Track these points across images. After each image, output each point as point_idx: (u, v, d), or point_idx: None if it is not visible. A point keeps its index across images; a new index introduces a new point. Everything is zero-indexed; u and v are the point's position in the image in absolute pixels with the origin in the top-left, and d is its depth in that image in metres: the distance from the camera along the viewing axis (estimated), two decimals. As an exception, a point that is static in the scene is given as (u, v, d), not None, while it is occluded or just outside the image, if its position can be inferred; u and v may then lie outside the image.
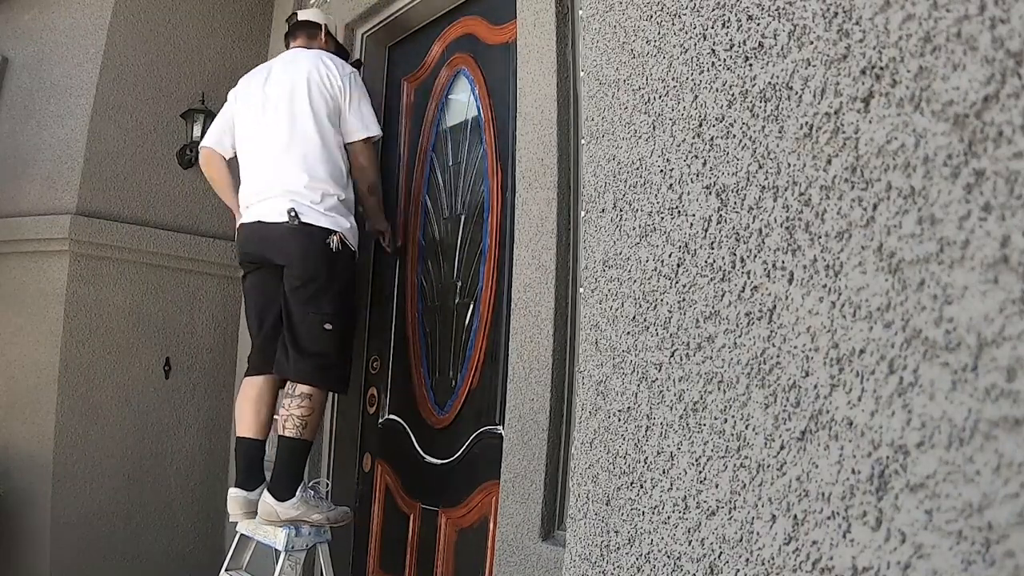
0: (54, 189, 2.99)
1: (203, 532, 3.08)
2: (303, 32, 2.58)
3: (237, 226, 2.40)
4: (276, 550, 2.19)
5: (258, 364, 2.32)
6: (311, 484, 2.31)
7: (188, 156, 3.19)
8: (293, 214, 2.18)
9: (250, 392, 2.31)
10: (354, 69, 2.47)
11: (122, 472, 2.91)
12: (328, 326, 2.18)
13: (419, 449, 2.42)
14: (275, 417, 2.30)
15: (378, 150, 2.54)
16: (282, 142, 2.29)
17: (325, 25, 2.58)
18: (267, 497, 2.14)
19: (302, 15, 2.64)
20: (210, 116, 3.21)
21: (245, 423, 2.29)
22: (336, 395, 2.72)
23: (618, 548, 0.82)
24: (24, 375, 2.91)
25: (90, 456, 2.86)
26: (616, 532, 0.83)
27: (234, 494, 2.23)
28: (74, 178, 2.95)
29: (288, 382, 2.21)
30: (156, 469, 3.00)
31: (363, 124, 2.38)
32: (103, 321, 2.95)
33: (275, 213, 2.22)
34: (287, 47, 2.60)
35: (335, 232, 2.22)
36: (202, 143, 2.57)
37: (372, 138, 2.41)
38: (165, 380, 3.06)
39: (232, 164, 2.52)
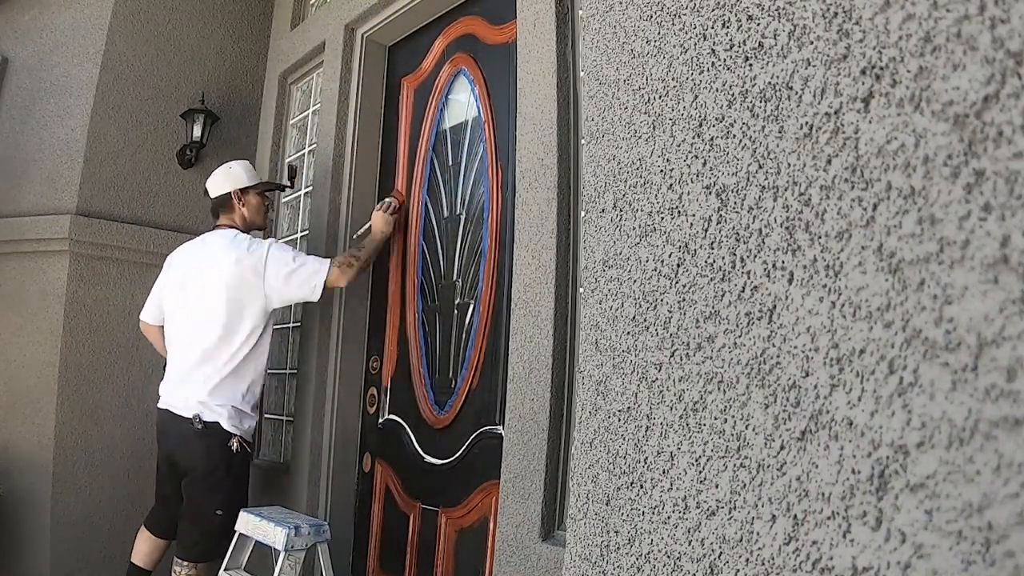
0: (54, 189, 2.99)
1: (203, 532, 3.07)
2: (220, 211, 2.59)
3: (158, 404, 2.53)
4: (276, 550, 2.19)
5: (157, 525, 2.54)
6: None
7: (188, 156, 3.19)
8: (199, 419, 2.35)
9: (144, 545, 2.55)
10: (258, 238, 2.49)
11: (122, 472, 2.91)
12: (219, 511, 2.36)
13: (419, 449, 2.42)
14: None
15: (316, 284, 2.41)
16: (193, 357, 2.42)
17: (233, 190, 2.56)
18: None
19: (209, 186, 2.60)
20: (210, 116, 3.21)
21: (139, 556, 2.55)
22: (336, 395, 2.73)
23: (618, 548, 0.82)
24: (24, 375, 2.91)
25: (90, 456, 2.86)
26: (616, 532, 0.83)
27: None
28: (74, 178, 2.95)
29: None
30: (156, 469, 3.00)
31: (302, 294, 2.40)
32: (103, 321, 2.95)
33: (182, 407, 2.39)
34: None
35: (235, 435, 2.37)
36: (141, 315, 2.69)
37: (329, 273, 2.38)
38: (165, 380, 3.05)
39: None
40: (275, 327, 3.24)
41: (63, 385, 2.83)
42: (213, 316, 2.39)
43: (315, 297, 2.39)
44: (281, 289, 2.38)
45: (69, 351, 2.85)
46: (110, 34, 3.05)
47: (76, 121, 3.01)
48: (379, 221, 2.53)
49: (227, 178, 2.58)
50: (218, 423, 2.35)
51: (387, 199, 2.58)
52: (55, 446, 2.78)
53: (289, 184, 2.85)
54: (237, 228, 2.53)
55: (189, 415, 2.36)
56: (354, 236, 2.77)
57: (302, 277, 2.37)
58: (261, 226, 2.66)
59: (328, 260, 2.41)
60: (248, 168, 2.64)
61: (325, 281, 2.36)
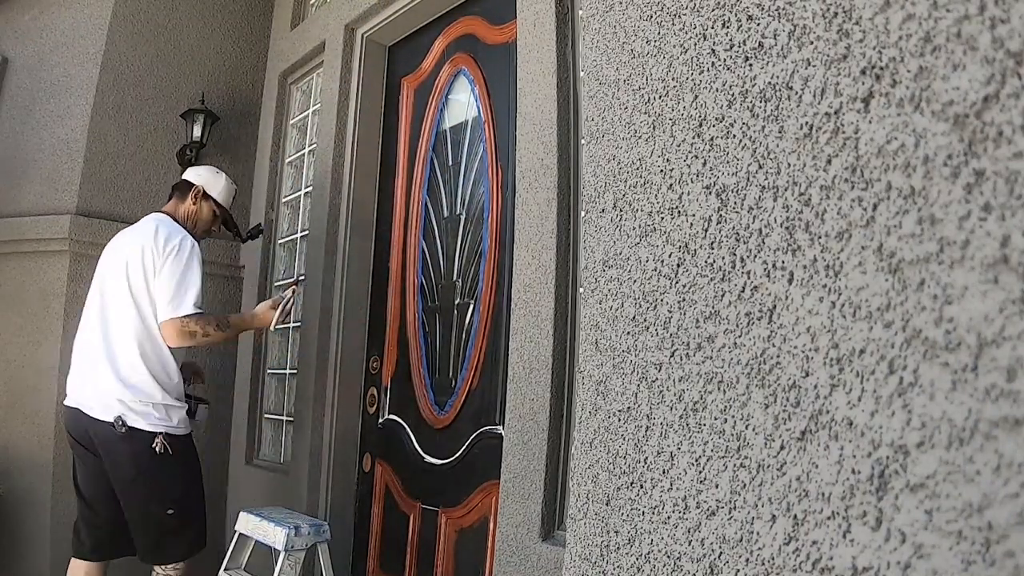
0: (54, 189, 2.99)
1: (203, 532, 3.07)
2: (175, 192, 2.46)
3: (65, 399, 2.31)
4: (276, 550, 2.19)
5: (89, 546, 2.25)
6: None
7: (188, 156, 3.19)
8: (120, 422, 2.13)
9: None
10: (185, 236, 2.28)
11: (122, 472, 2.91)
12: (171, 511, 2.17)
13: (419, 449, 2.42)
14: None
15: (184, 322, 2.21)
16: (98, 344, 2.23)
17: (200, 187, 2.43)
18: None
19: (188, 171, 2.52)
20: (210, 116, 3.21)
21: None
22: (336, 395, 2.73)
23: (618, 548, 0.82)
24: (24, 375, 2.91)
25: (90, 456, 2.85)
26: (616, 532, 0.83)
27: None
28: (74, 178, 2.95)
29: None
30: (156, 469, 2.99)
31: (166, 301, 2.18)
32: (103, 321, 2.95)
33: (99, 409, 2.16)
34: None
35: (159, 434, 2.16)
36: None
37: (181, 317, 2.17)
38: (165, 380, 3.05)
39: None
40: (277, 328, 3.25)
41: (63, 385, 2.82)
42: (121, 290, 2.22)
43: (160, 317, 2.20)
44: (168, 280, 2.20)
45: (69, 351, 2.85)
46: (110, 34, 3.05)
47: (76, 121, 3.01)
48: (262, 312, 2.38)
49: (205, 176, 2.48)
50: (138, 429, 2.14)
51: (286, 295, 2.39)
52: (55, 446, 2.77)
53: (247, 236, 2.70)
54: (173, 218, 2.37)
55: (110, 418, 2.14)
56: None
57: (172, 292, 2.19)
58: (196, 237, 2.38)
59: (195, 310, 2.20)
60: (228, 188, 2.52)
61: (174, 319, 2.17)
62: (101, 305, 2.28)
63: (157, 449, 2.15)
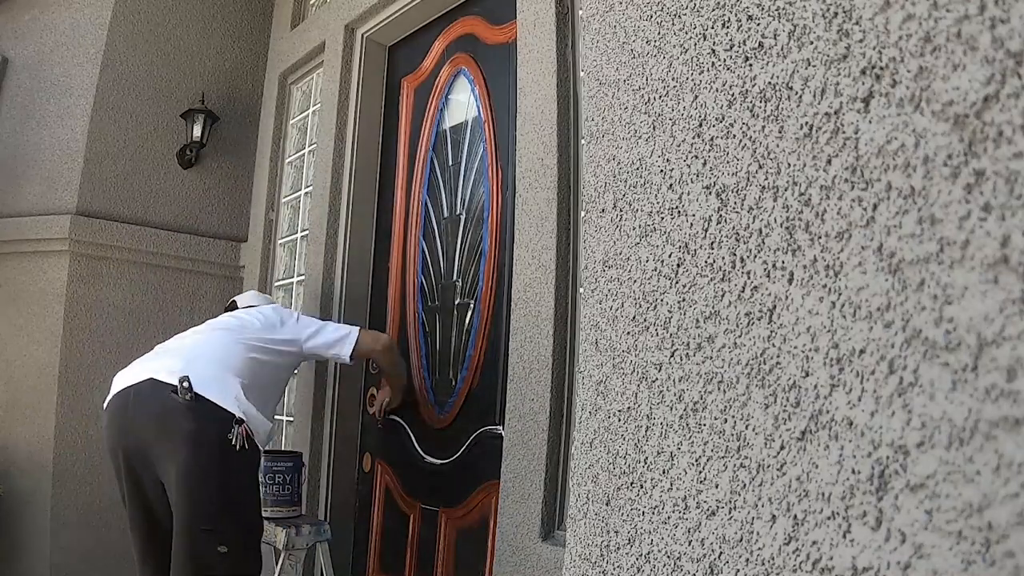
0: (54, 189, 2.99)
1: (203, 532, 3.07)
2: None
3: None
4: (276, 549, 2.19)
5: None
6: None
7: (188, 156, 3.20)
8: (187, 384, 1.67)
9: None
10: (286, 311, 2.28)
11: (122, 472, 2.91)
12: (223, 548, 1.65)
13: (419, 449, 2.42)
14: None
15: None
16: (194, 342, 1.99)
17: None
18: None
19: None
20: (210, 116, 3.21)
21: None
22: (336, 395, 2.73)
23: (618, 548, 0.82)
24: (24, 375, 2.91)
25: (90, 456, 2.86)
26: (616, 532, 0.83)
27: None
28: (74, 178, 2.95)
29: None
30: (156, 469, 2.99)
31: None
32: (103, 321, 2.95)
33: (163, 374, 1.75)
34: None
35: (238, 422, 1.70)
36: None
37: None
38: (165, 380, 3.05)
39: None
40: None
41: (63, 385, 2.83)
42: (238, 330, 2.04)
43: (344, 352, 2.19)
44: (310, 337, 2.15)
45: (69, 351, 2.85)
46: (110, 34, 3.05)
47: (76, 121, 3.01)
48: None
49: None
50: (214, 403, 1.68)
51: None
52: (55, 446, 2.78)
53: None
54: None
55: (173, 381, 1.69)
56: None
57: (338, 333, 2.20)
58: None
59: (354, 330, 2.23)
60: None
61: (360, 343, 2.20)
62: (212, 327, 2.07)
63: (234, 442, 1.66)
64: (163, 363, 1.81)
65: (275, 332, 2.09)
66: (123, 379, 1.86)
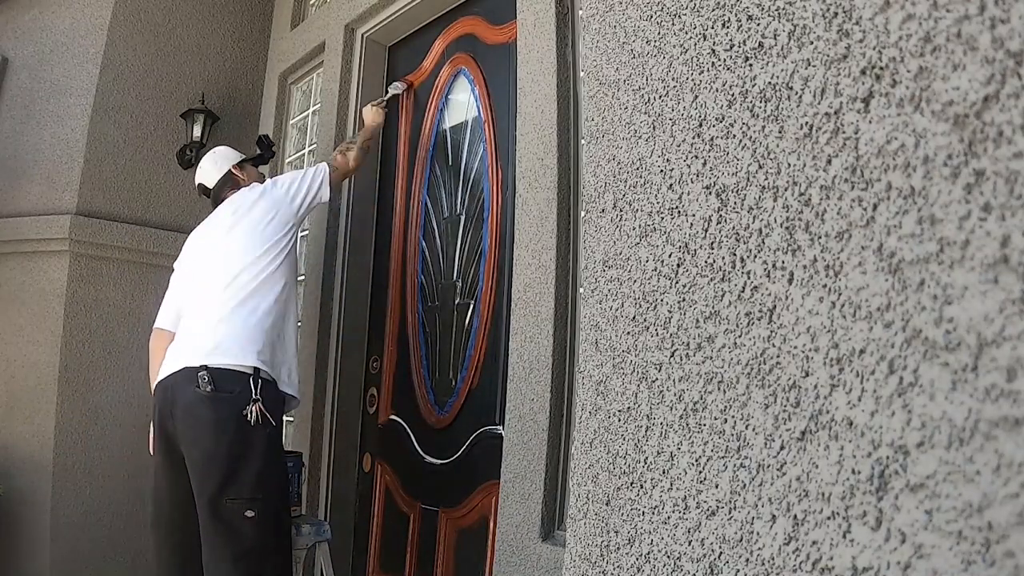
0: (54, 189, 2.99)
1: (203, 532, 3.07)
2: (222, 191, 2.35)
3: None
4: (276, 550, 2.19)
5: None
6: None
7: (188, 156, 3.19)
8: (204, 374, 1.82)
9: None
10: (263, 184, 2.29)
11: (122, 472, 2.91)
12: (250, 513, 1.76)
13: (419, 449, 2.42)
14: None
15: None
16: (204, 305, 2.03)
17: (230, 167, 2.38)
18: None
19: (203, 179, 2.42)
20: (210, 116, 3.21)
21: None
22: (336, 395, 2.73)
23: (618, 548, 0.82)
24: (24, 375, 2.91)
25: (90, 456, 2.86)
26: (616, 532, 0.83)
27: None
28: (74, 178, 2.95)
29: None
30: (156, 469, 2.99)
31: (313, 190, 2.22)
32: (103, 321, 2.95)
33: (191, 359, 1.90)
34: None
35: (254, 397, 1.83)
36: (156, 323, 2.24)
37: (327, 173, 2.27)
38: (165, 380, 3.05)
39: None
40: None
41: (63, 385, 2.83)
42: (228, 253, 2.07)
43: (325, 193, 2.24)
44: (292, 192, 2.18)
45: (69, 351, 2.85)
46: (110, 34, 3.05)
47: (76, 121, 3.01)
48: (368, 114, 2.59)
49: (219, 161, 2.41)
50: (233, 371, 1.81)
51: (391, 90, 2.71)
52: (55, 446, 2.78)
53: (271, 152, 2.66)
54: None
55: (195, 364, 1.84)
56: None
57: (309, 176, 2.24)
58: None
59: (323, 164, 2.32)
60: (229, 148, 2.50)
61: (331, 172, 2.28)
62: (202, 278, 2.10)
63: (249, 418, 1.80)
64: (193, 344, 1.95)
65: (265, 216, 2.13)
66: (167, 365, 1.99)
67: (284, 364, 1.98)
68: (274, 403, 1.89)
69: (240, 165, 2.41)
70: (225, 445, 1.79)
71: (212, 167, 2.40)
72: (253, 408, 1.81)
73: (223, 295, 1.98)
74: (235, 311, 1.95)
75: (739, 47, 0.76)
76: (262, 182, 2.37)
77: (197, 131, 3.18)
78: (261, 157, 2.56)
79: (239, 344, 1.89)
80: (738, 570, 0.67)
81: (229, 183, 2.36)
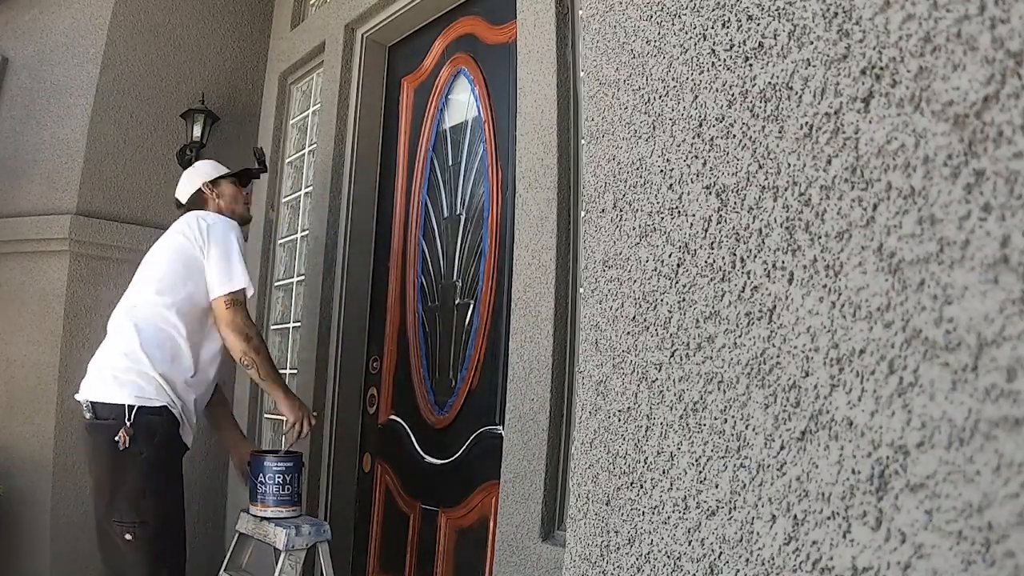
0: (54, 189, 2.99)
1: (202, 532, 3.08)
2: (191, 209, 2.35)
3: None
4: (276, 549, 2.19)
5: None
6: None
7: (188, 156, 3.19)
8: (87, 405, 1.98)
9: None
10: (223, 219, 2.24)
11: (122, 472, 2.91)
12: (128, 536, 1.87)
13: (419, 449, 2.42)
14: None
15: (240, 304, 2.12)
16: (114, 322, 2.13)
17: (204, 185, 2.37)
18: None
19: (178, 194, 2.43)
20: (210, 116, 3.21)
21: None
22: (336, 395, 2.72)
23: (618, 548, 0.82)
24: (24, 375, 2.91)
25: (90, 456, 2.85)
26: (616, 532, 0.83)
27: None
28: (74, 178, 2.95)
29: None
30: (156, 469, 2.99)
31: (218, 279, 2.07)
32: (103, 321, 2.94)
33: (86, 392, 2.04)
34: None
35: (128, 411, 1.93)
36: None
37: (233, 294, 2.06)
38: (165, 380, 3.05)
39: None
40: (274, 326, 3.25)
41: (63, 385, 2.83)
42: (143, 278, 2.15)
43: (214, 293, 2.08)
44: (216, 258, 2.09)
45: (69, 351, 2.85)
46: (110, 34, 3.05)
47: (76, 121, 3.01)
48: (293, 407, 2.21)
49: (192, 177, 2.39)
50: (105, 404, 1.94)
51: (302, 429, 2.22)
52: (55, 446, 2.78)
53: (261, 168, 2.57)
54: None
55: (81, 399, 1.99)
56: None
57: (229, 268, 2.08)
58: (244, 216, 2.42)
59: (247, 284, 2.11)
60: (214, 163, 2.46)
61: (231, 294, 2.07)
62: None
63: (119, 444, 1.89)
64: (94, 365, 2.11)
65: (179, 254, 2.14)
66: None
67: (178, 396, 2.03)
68: (150, 430, 1.95)
69: (215, 182, 2.39)
70: (105, 470, 1.96)
71: (187, 182, 2.41)
72: (121, 433, 1.91)
73: (124, 320, 2.11)
74: (128, 338, 2.04)
75: (739, 47, 0.76)
76: (244, 202, 2.41)
77: (197, 131, 3.18)
78: (249, 172, 2.50)
79: (116, 377, 1.99)
80: (738, 570, 0.67)
81: (198, 203, 2.37)
